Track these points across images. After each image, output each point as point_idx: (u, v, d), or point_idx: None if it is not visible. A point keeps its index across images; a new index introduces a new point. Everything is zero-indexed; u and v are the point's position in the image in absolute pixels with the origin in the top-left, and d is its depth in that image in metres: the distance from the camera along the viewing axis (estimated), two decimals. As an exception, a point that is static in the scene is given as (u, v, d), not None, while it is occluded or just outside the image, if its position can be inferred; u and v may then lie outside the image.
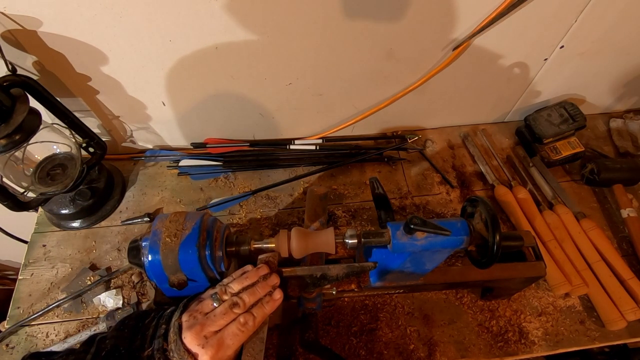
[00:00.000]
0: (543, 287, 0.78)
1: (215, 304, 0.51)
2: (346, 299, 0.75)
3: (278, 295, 0.54)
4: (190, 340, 0.47)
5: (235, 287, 0.52)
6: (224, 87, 0.77)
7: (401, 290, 0.67)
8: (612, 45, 0.81)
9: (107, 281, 0.76)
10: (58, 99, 0.68)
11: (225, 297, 0.52)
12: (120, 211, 0.85)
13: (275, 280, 0.55)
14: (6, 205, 0.70)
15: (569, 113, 0.90)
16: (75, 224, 0.82)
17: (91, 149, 0.79)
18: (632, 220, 0.83)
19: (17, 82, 0.61)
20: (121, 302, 0.74)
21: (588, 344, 0.73)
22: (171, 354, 0.46)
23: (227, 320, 0.49)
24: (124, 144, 0.91)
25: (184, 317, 0.49)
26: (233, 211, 0.86)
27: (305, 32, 0.67)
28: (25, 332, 0.72)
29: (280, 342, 0.70)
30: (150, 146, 0.93)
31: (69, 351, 0.50)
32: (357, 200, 0.88)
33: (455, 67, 0.80)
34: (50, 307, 0.73)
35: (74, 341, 0.70)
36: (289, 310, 0.71)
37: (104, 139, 0.80)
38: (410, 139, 0.95)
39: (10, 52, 0.64)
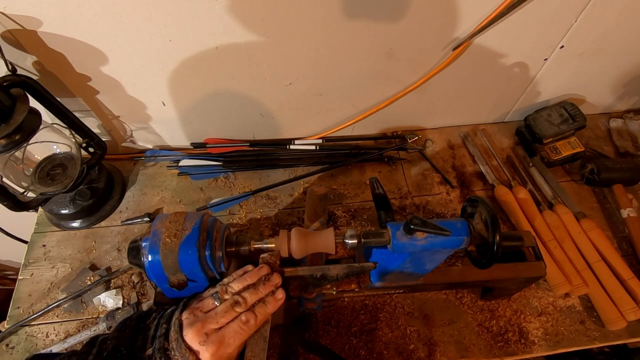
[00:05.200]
0: (543, 287, 0.78)
1: (216, 303, 0.51)
2: (346, 299, 0.75)
3: (280, 294, 0.54)
4: (191, 337, 0.47)
5: (236, 286, 0.53)
6: (224, 87, 0.77)
7: (401, 290, 0.67)
8: (612, 45, 0.81)
9: (107, 281, 0.76)
10: (58, 99, 0.69)
11: (226, 297, 0.52)
12: (120, 211, 0.85)
13: (277, 279, 0.55)
14: (6, 205, 0.70)
15: (569, 113, 0.90)
16: (75, 224, 0.82)
17: (91, 149, 0.79)
18: (632, 220, 0.83)
19: (17, 82, 0.61)
20: (121, 302, 0.74)
21: (588, 344, 0.73)
22: (172, 352, 0.46)
23: (228, 319, 0.49)
24: (124, 144, 0.91)
25: (184, 315, 0.50)
26: (233, 211, 0.86)
27: (305, 32, 0.67)
28: (25, 332, 0.72)
29: (282, 343, 0.70)
30: (150, 146, 0.93)
31: (71, 353, 0.50)
32: (357, 200, 0.88)
33: (455, 67, 0.80)
34: (50, 307, 0.73)
35: (74, 341, 0.70)
36: (289, 311, 0.71)
37: (104, 139, 0.80)
38: (410, 139, 0.95)
39: (10, 52, 0.64)
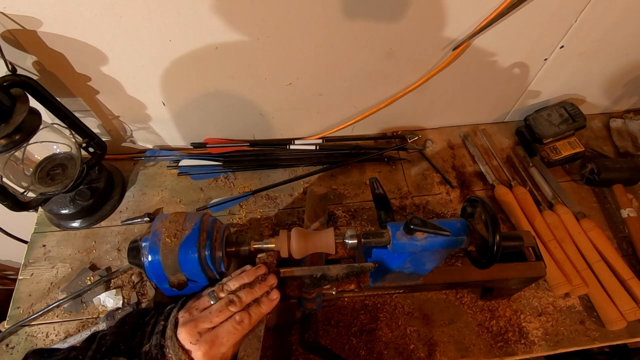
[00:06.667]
0: (543, 287, 0.78)
1: (212, 302, 0.51)
2: (346, 299, 0.75)
3: (275, 295, 0.54)
4: (184, 336, 0.47)
5: (232, 285, 0.53)
6: (224, 87, 0.77)
7: (401, 290, 0.67)
8: (612, 45, 0.81)
9: (107, 281, 0.76)
10: (58, 99, 0.69)
11: (222, 295, 0.52)
12: (120, 211, 0.85)
13: (272, 280, 0.55)
14: (6, 205, 0.70)
15: (569, 113, 0.90)
16: (75, 224, 0.82)
17: (91, 149, 0.79)
18: (632, 220, 0.83)
19: (17, 82, 0.61)
20: (121, 302, 0.74)
21: (588, 344, 0.73)
22: (167, 350, 0.47)
23: (222, 318, 0.49)
24: (124, 144, 0.91)
25: (181, 314, 0.50)
26: (233, 211, 0.86)
27: (305, 32, 0.67)
28: (25, 332, 0.72)
29: (280, 343, 0.70)
30: (150, 146, 0.93)
31: (71, 348, 0.50)
32: (357, 200, 0.88)
33: (455, 67, 0.80)
34: (50, 307, 0.73)
35: (74, 341, 0.70)
36: (286, 311, 0.71)
37: (104, 139, 0.80)
38: (410, 139, 0.95)
39: (10, 52, 0.64)
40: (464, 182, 0.91)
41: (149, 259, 0.52)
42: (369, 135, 0.98)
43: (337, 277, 0.56)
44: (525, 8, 0.68)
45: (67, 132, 0.74)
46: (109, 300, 0.74)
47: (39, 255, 0.80)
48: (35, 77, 0.67)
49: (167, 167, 0.91)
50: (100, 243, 0.81)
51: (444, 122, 0.99)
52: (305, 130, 0.94)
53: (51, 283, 0.77)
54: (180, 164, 0.90)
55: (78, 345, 0.50)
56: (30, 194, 0.73)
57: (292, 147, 0.92)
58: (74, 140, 0.75)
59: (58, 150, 0.77)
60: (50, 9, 0.58)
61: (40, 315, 0.73)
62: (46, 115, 0.68)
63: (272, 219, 0.85)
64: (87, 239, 0.82)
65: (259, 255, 0.58)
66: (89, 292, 0.75)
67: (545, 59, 0.82)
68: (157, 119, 0.84)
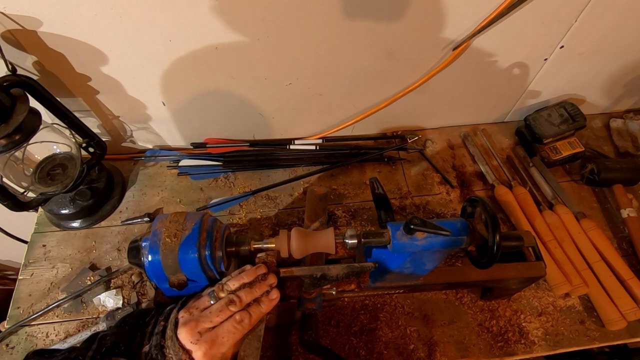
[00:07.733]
0: (543, 287, 0.78)
1: (212, 301, 0.51)
2: (346, 299, 0.75)
3: (275, 295, 0.54)
4: (184, 336, 0.47)
5: (232, 285, 0.53)
6: (224, 87, 0.77)
7: (401, 290, 0.67)
8: (612, 45, 0.81)
9: (107, 281, 0.76)
10: (58, 99, 0.69)
11: (222, 295, 0.52)
12: (120, 211, 0.85)
13: (272, 280, 0.55)
14: (6, 205, 0.70)
15: (569, 113, 0.90)
16: (75, 224, 0.82)
17: (91, 149, 0.79)
18: (632, 220, 0.83)
19: (17, 82, 0.61)
20: (121, 302, 0.74)
21: (588, 344, 0.73)
22: (167, 350, 0.47)
23: (222, 318, 0.49)
24: (124, 144, 0.91)
25: (181, 314, 0.50)
26: (233, 211, 0.86)
27: (305, 32, 0.67)
28: (25, 332, 0.72)
29: (280, 343, 0.70)
30: (150, 146, 0.93)
31: (71, 348, 0.50)
32: (357, 200, 0.88)
33: (455, 67, 0.80)
34: (50, 307, 0.73)
35: (74, 341, 0.70)
36: (286, 310, 0.71)
37: (104, 139, 0.80)
38: (410, 139, 0.95)
39: (10, 52, 0.64)
40: (464, 182, 0.91)
41: (149, 258, 0.52)
42: (369, 135, 0.98)
43: (337, 277, 0.56)
44: (525, 8, 0.68)
45: (67, 132, 0.74)
46: (109, 300, 0.74)
47: (39, 255, 0.80)
48: (35, 77, 0.67)
49: (167, 167, 0.91)
50: (100, 243, 0.81)
51: (444, 122, 0.99)
52: (305, 130, 0.94)
53: (51, 283, 0.77)
54: (180, 164, 0.90)
55: (78, 345, 0.50)
56: (30, 194, 0.73)
57: (292, 147, 0.92)
58: (74, 140, 0.75)
59: (58, 150, 0.77)
60: (50, 9, 0.58)
61: (40, 315, 0.73)
62: (46, 115, 0.68)
63: (272, 219, 0.85)
64: (87, 239, 0.82)
65: (258, 255, 0.58)
66: (89, 292, 0.75)
67: (545, 59, 0.82)
68: (157, 119, 0.84)
